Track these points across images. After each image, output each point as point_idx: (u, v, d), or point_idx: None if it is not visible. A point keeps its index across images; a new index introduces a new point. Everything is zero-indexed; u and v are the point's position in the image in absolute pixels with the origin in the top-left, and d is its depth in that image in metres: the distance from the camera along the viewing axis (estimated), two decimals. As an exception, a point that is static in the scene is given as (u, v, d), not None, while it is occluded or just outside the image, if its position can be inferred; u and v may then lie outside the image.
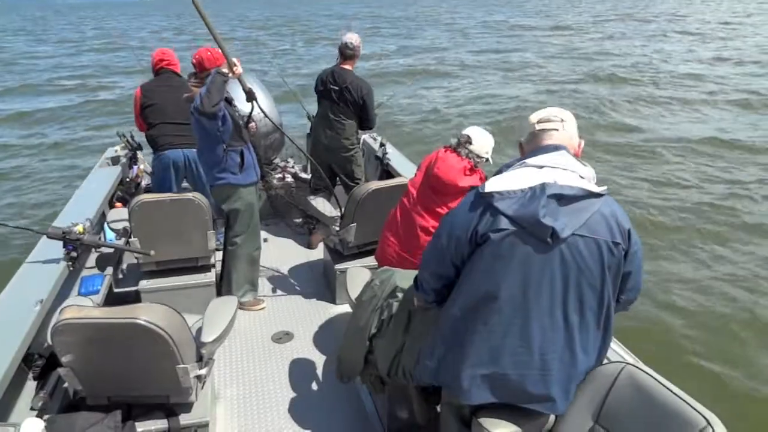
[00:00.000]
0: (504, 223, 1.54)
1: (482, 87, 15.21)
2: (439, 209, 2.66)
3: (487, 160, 2.73)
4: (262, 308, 3.56)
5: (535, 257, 1.52)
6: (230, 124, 3.08)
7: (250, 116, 3.37)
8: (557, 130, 1.66)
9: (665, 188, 7.67)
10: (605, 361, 1.85)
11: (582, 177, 1.57)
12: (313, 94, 4.28)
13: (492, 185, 1.59)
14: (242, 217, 3.32)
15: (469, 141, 2.66)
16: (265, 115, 3.61)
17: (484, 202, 1.59)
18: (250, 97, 3.24)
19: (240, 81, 3.09)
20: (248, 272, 3.49)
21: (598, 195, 1.54)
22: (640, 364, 1.65)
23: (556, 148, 1.62)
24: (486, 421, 1.64)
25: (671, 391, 1.49)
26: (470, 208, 1.62)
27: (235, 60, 2.94)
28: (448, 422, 1.84)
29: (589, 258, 1.51)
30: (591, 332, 1.58)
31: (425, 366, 1.75)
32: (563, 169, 1.56)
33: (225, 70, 2.89)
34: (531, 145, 1.70)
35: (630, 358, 1.99)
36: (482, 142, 2.68)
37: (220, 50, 3.08)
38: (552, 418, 1.68)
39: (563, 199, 1.51)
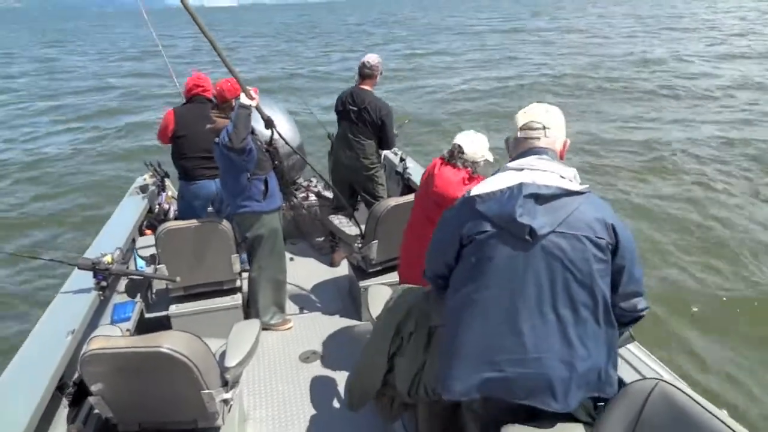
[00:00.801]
0: (486, 224, 1.60)
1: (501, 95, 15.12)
2: (438, 218, 2.64)
3: (488, 160, 2.70)
4: (290, 328, 3.59)
5: (517, 256, 1.56)
6: (255, 154, 3.11)
7: (271, 142, 3.38)
8: (539, 138, 1.70)
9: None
10: (638, 377, 1.80)
11: (562, 177, 1.60)
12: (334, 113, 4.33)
13: (475, 189, 1.67)
14: (266, 243, 3.35)
15: (461, 150, 2.64)
16: (285, 142, 3.65)
17: (469, 205, 1.66)
18: (269, 125, 3.27)
19: (258, 109, 3.11)
20: (275, 295, 3.53)
21: (578, 193, 1.56)
22: (677, 381, 1.59)
23: (537, 152, 1.67)
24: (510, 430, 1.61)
25: (707, 410, 1.44)
26: (457, 212, 1.73)
27: (251, 89, 2.97)
28: None
29: (572, 254, 1.52)
30: (589, 326, 1.56)
31: (439, 380, 1.74)
32: (542, 171, 1.61)
33: (246, 102, 2.91)
34: (514, 149, 1.76)
35: (666, 373, 1.93)
36: (474, 147, 2.65)
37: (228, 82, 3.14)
38: (581, 428, 1.63)
39: (540, 198, 1.56)
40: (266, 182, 3.22)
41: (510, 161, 1.72)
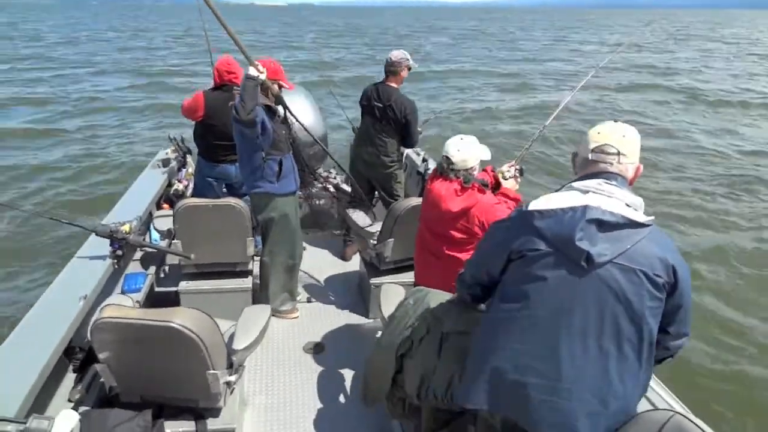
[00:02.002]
0: (540, 242, 1.53)
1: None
2: (443, 233, 2.61)
3: (481, 163, 2.61)
4: (296, 317, 3.58)
5: (568, 280, 1.49)
6: (270, 133, 3.09)
7: (285, 121, 3.31)
8: (611, 164, 1.60)
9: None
10: (650, 407, 1.77)
11: (628, 205, 1.52)
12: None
13: (535, 204, 1.59)
14: (277, 227, 3.33)
15: (449, 161, 2.55)
16: (303, 127, 3.62)
17: (525, 219, 1.59)
18: (279, 101, 3.21)
19: (266, 84, 3.04)
20: (285, 282, 3.52)
21: (643, 225, 1.49)
22: (690, 414, 1.55)
23: (606, 176, 1.58)
24: None
25: None
26: (511, 224, 1.66)
27: (258, 63, 2.90)
28: None
29: (627, 288, 1.45)
30: (630, 364, 1.49)
31: (461, 388, 1.72)
32: (608, 196, 1.53)
33: (253, 73, 2.85)
34: (581, 169, 1.67)
35: (678, 406, 1.89)
36: (461, 155, 2.53)
37: (272, 62, 3.12)
38: None
39: (604, 224, 1.48)
40: (281, 164, 3.18)
41: (575, 180, 1.64)
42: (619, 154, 1.60)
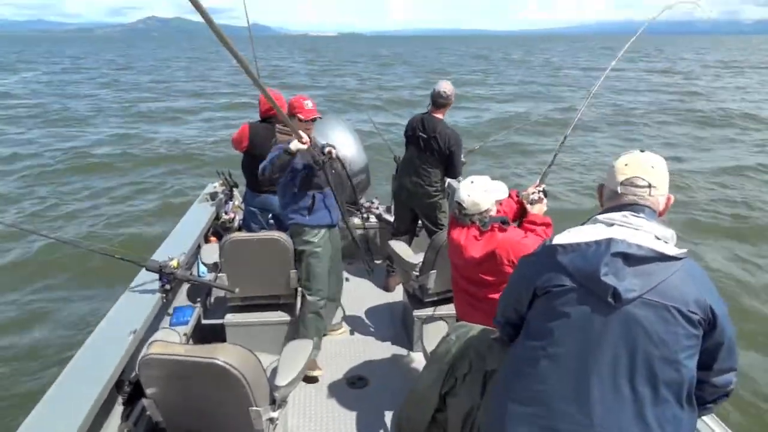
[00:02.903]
0: (565, 278, 1.46)
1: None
2: (474, 278, 2.54)
3: (497, 201, 2.55)
4: (318, 374, 3.33)
5: (594, 318, 1.40)
6: (300, 174, 3.11)
7: (324, 166, 3.19)
8: (642, 197, 1.52)
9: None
10: None
11: (658, 238, 1.43)
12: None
13: (558, 238, 1.53)
14: (306, 261, 3.24)
15: (461, 207, 2.50)
16: (343, 167, 3.64)
17: (549, 255, 1.52)
18: (329, 156, 3.22)
19: (311, 149, 3.01)
20: (313, 325, 3.33)
21: (675, 258, 1.39)
22: None
23: (633, 208, 1.51)
24: None
25: None
26: (536, 260, 1.60)
27: (302, 133, 2.88)
28: None
29: (659, 326, 1.35)
30: (669, 409, 1.36)
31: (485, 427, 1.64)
32: (635, 229, 1.45)
33: (293, 148, 2.86)
34: (609, 201, 1.59)
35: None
36: (472, 200, 2.47)
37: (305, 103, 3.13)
38: None
39: (630, 258, 1.39)
40: (313, 198, 3.17)
41: (600, 212, 1.57)
42: (650, 186, 1.52)
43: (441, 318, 2.87)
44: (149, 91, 24.97)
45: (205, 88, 26.56)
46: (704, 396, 1.49)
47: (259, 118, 4.04)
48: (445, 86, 4.00)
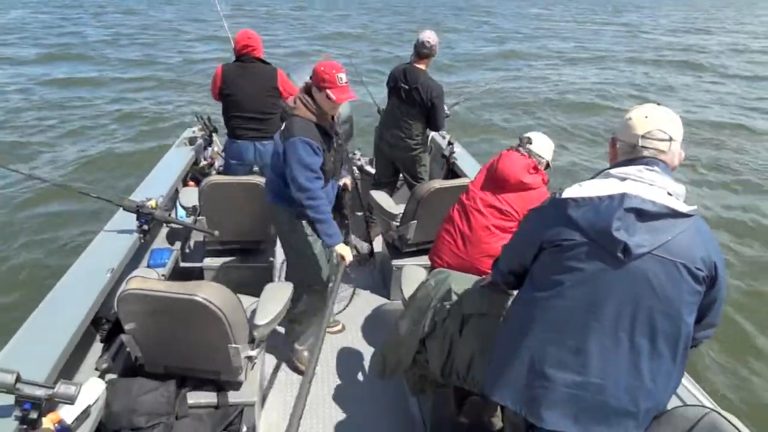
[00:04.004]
0: (575, 233, 1.46)
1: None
2: (500, 205, 2.62)
3: (548, 165, 2.71)
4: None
5: (603, 272, 1.42)
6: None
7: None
8: (663, 152, 1.50)
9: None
10: (679, 403, 1.72)
11: (670, 194, 1.44)
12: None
13: (569, 192, 1.52)
14: (311, 253, 2.78)
15: (529, 141, 2.68)
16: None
17: (559, 208, 1.52)
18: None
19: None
20: (318, 317, 2.91)
21: (685, 215, 1.41)
22: (723, 411, 1.49)
23: (647, 162, 1.49)
24: None
25: None
26: (545, 213, 1.59)
27: (346, 251, 2.67)
28: None
29: (666, 282, 1.38)
30: (664, 362, 1.42)
31: (488, 377, 1.67)
32: (649, 184, 1.44)
33: (339, 255, 2.63)
34: (625, 155, 1.56)
35: (708, 403, 1.83)
36: (542, 143, 2.71)
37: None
38: None
39: (643, 214, 1.40)
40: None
41: (612, 166, 1.55)
42: (671, 139, 1.49)
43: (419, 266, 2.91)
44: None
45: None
46: None
47: (234, 58, 3.91)
48: (429, 36, 3.90)
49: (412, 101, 3.95)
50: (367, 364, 3.00)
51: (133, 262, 2.88)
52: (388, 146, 4.19)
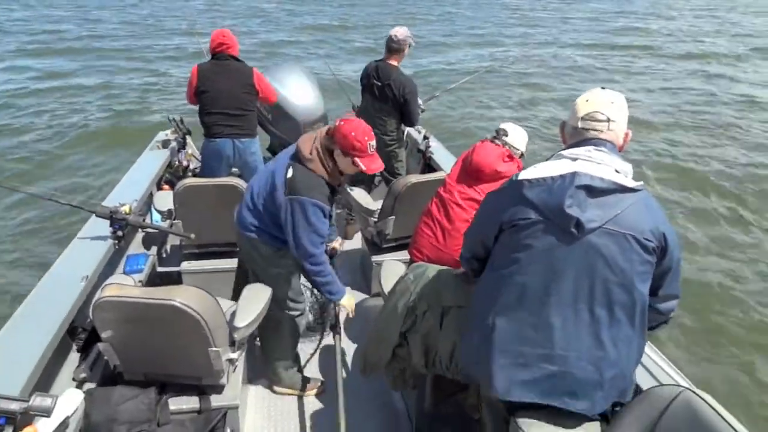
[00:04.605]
0: (530, 212, 1.54)
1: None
2: (477, 196, 2.65)
3: (522, 155, 2.75)
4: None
5: (558, 248, 1.50)
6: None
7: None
8: (602, 131, 1.60)
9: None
10: (656, 383, 1.76)
11: (617, 171, 1.52)
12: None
13: (524, 174, 1.60)
14: (288, 279, 2.62)
15: (505, 133, 2.70)
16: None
17: (515, 189, 1.60)
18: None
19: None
20: (293, 341, 2.80)
21: (633, 190, 1.49)
22: (697, 390, 1.55)
23: (595, 143, 1.58)
24: (524, 422, 1.58)
25: (732, 426, 1.39)
26: (502, 195, 1.67)
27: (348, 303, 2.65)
28: (486, 420, 1.81)
29: (617, 254, 1.46)
30: (623, 329, 1.50)
31: (461, 361, 1.74)
32: (598, 163, 1.53)
33: (341, 306, 2.63)
34: (571, 137, 1.67)
35: (683, 381, 1.88)
36: (517, 135, 2.74)
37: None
38: (597, 426, 1.60)
39: (593, 190, 1.48)
40: None
41: (564, 149, 1.65)
42: (608, 120, 1.59)
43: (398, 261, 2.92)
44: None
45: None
46: (650, 322, 1.60)
47: (210, 57, 3.88)
48: (398, 31, 3.91)
49: (385, 98, 3.95)
50: (349, 360, 3.00)
51: (108, 269, 2.83)
52: None
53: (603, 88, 1.67)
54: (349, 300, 2.61)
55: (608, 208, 1.47)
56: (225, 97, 3.71)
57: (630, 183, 1.50)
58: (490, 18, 27.27)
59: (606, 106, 1.60)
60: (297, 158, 2.35)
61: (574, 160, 1.55)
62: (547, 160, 1.65)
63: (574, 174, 1.50)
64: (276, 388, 2.81)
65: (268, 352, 2.76)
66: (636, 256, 1.46)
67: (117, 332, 2.04)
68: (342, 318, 2.58)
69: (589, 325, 1.48)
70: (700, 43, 19.46)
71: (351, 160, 2.32)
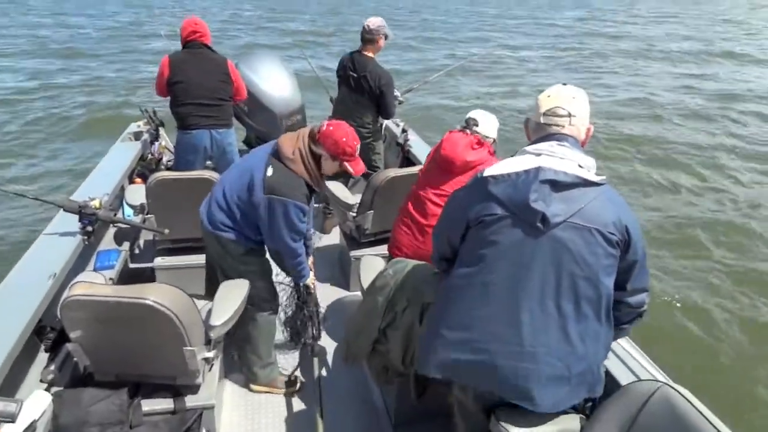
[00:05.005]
0: (496, 207, 1.54)
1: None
2: (451, 190, 2.61)
3: (494, 141, 2.71)
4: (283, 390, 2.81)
5: (525, 242, 1.50)
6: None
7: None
8: (563, 126, 1.61)
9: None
10: (634, 378, 1.77)
11: (581, 166, 1.54)
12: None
13: (489, 170, 1.60)
14: (264, 279, 2.60)
15: (475, 123, 2.66)
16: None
17: (480, 186, 1.60)
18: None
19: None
20: (270, 340, 2.76)
21: (596, 184, 1.50)
22: (675, 385, 1.55)
23: (558, 138, 1.59)
24: (501, 414, 1.58)
25: (711, 422, 1.40)
26: (468, 191, 1.67)
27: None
28: (461, 418, 1.80)
29: (582, 247, 1.47)
30: (590, 324, 1.51)
31: (420, 356, 1.72)
32: (561, 158, 1.54)
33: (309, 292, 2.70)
34: (534, 133, 1.68)
35: (661, 376, 1.89)
36: (488, 124, 2.68)
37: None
38: (577, 424, 1.61)
39: (557, 185, 1.49)
40: None
41: (529, 145, 1.65)
42: (570, 115, 1.61)
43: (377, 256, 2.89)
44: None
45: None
46: (621, 317, 1.62)
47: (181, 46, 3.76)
48: (371, 21, 3.86)
49: (361, 89, 3.91)
50: (328, 357, 2.97)
51: (77, 265, 2.74)
52: None
53: (564, 84, 1.69)
54: (306, 279, 2.66)
55: (572, 202, 1.48)
56: (201, 87, 3.59)
57: (593, 177, 1.51)
58: (473, 20, 27.40)
59: (567, 101, 1.62)
60: (277, 156, 2.31)
61: (538, 155, 1.57)
62: (512, 156, 1.66)
63: (538, 169, 1.51)
64: (252, 386, 2.75)
65: (244, 351, 2.71)
66: (601, 250, 1.47)
67: (87, 332, 1.97)
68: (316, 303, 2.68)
69: (556, 320, 1.49)
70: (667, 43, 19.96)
71: (339, 163, 2.37)
